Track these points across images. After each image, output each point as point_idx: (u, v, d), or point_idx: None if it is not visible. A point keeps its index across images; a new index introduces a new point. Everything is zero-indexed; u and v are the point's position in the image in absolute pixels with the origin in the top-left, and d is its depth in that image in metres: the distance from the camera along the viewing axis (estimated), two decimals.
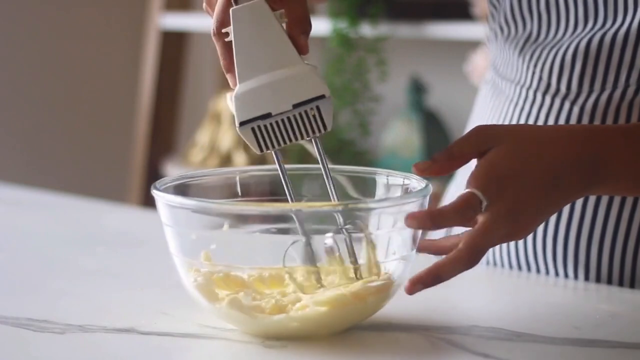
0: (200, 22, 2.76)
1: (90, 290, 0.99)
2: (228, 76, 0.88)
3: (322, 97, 0.86)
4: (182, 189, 0.91)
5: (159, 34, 2.80)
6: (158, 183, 0.88)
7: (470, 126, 1.17)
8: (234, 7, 0.86)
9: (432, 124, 2.50)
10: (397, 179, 0.91)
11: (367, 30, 2.41)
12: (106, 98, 3.11)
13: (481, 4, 2.24)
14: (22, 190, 1.55)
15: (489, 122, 1.11)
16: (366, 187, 0.93)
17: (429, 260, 1.13)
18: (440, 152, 0.85)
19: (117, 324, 0.88)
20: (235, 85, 0.87)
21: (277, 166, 0.88)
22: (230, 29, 0.86)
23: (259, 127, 0.86)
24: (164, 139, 2.85)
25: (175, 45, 2.85)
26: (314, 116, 0.86)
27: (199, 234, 0.86)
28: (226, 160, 2.65)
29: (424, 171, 0.86)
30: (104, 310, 0.92)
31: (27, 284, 1.02)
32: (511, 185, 0.83)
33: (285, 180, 0.88)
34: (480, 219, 0.82)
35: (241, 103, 0.85)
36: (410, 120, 2.50)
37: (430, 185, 0.86)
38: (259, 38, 0.86)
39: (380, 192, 0.92)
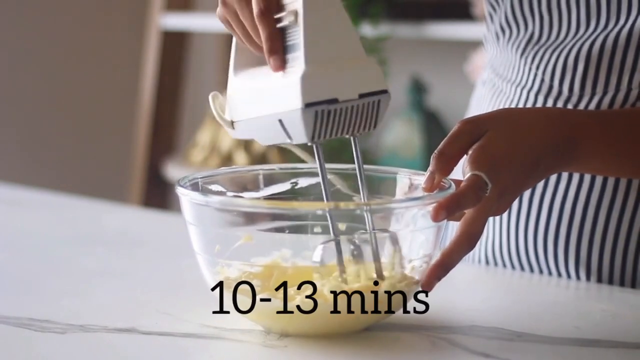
0: (202, 22, 2.76)
1: (91, 290, 0.99)
2: (272, 59, 0.86)
3: (384, 92, 0.86)
4: (202, 188, 0.91)
5: (160, 34, 2.80)
6: (181, 181, 0.88)
7: None
8: None
9: (432, 124, 2.50)
10: (419, 178, 0.91)
11: (367, 30, 2.41)
12: (107, 98, 3.11)
13: (481, 4, 2.24)
14: (22, 190, 1.55)
15: None
16: (387, 187, 0.94)
17: None
18: (436, 160, 0.87)
19: (118, 323, 0.88)
20: (278, 68, 0.86)
21: (317, 161, 0.86)
22: (296, 10, 0.84)
23: (322, 111, 0.84)
24: (165, 138, 2.85)
25: (176, 45, 2.84)
26: (371, 112, 0.85)
27: (223, 231, 0.86)
28: (227, 160, 2.65)
29: (432, 189, 0.87)
30: (104, 310, 0.92)
31: (28, 284, 1.02)
32: (504, 169, 0.87)
33: (324, 177, 0.87)
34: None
35: (309, 84, 0.83)
36: (411, 120, 2.50)
37: (453, 185, 0.86)
38: (330, 24, 0.85)
39: (401, 192, 0.93)
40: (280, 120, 0.85)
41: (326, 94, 0.84)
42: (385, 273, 0.86)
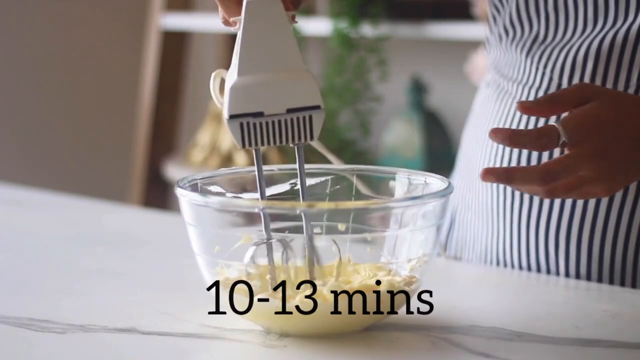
0: (202, 22, 2.76)
1: (91, 290, 0.99)
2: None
3: (316, 107, 0.85)
4: (201, 189, 0.92)
5: (160, 34, 2.80)
6: (181, 182, 0.88)
7: (471, 128, 1.18)
8: None
9: (432, 124, 2.51)
10: (419, 178, 0.91)
11: (367, 30, 2.41)
12: (107, 98, 3.11)
13: (481, 4, 2.24)
14: (22, 190, 1.55)
15: (496, 124, 1.11)
16: (386, 187, 0.94)
17: (447, 262, 1.13)
18: (544, 97, 0.91)
19: (118, 323, 0.88)
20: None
21: (255, 164, 0.87)
22: (240, 19, 0.85)
23: (247, 123, 0.85)
24: (165, 139, 2.85)
25: (176, 45, 2.85)
26: (303, 125, 0.86)
27: (223, 232, 0.86)
28: (227, 160, 2.65)
29: (528, 109, 0.90)
30: (104, 310, 0.92)
31: (28, 284, 1.02)
32: (599, 133, 0.89)
33: (260, 178, 0.87)
34: (565, 152, 0.89)
35: (235, 96, 0.85)
36: (411, 120, 2.50)
37: (452, 184, 0.86)
38: (268, 36, 0.85)
39: (401, 191, 0.93)
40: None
41: (252, 106, 0.85)
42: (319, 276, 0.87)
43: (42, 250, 1.16)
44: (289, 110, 0.85)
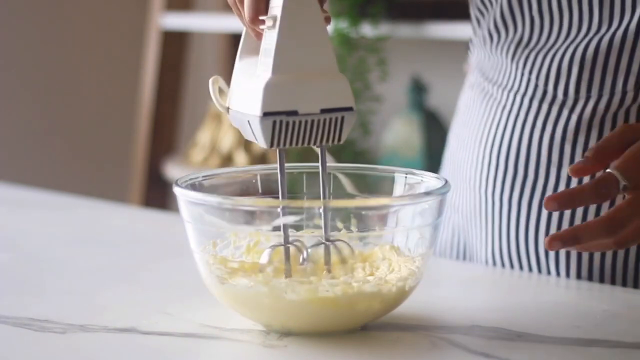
0: (202, 22, 2.76)
1: (91, 290, 0.99)
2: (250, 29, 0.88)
3: (349, 109, 0.86)
4: (200, 187, 0.92)
5: (160, 34, 2.80)
6: (179, 180, 0.89)
7: (457, 130, 1.18)
8: None
9: (432, 124, 2.50)
10: (416, 177, 0.91)
11: (367, 30, 2.41)
12: (107, 98, 3.11)
13: None
14: (22, 190, 1.55)
15: (482, 130, 1.11)
16: (384, 186, 0.94)
17: (447, 262, 1.14)
18: (594, 151, 0.90)
19: (118, 323, 0.88)
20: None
21: (277, 164, 0.88)
22: (276, 16, 0.85)
23: (280, 122, 0.84)
24: (165, 138, 2.85)
25: (176, 45, 2.84)
26: (334, 126, 0.86)
27: (221, 230, 0.86)
28: (227, 160, 2.64)
29: (579, 171, 0.91)
30: (104, 310, 0.92)
31: (28, 284, 1.02)
32: None
33: (282, 179, 0.87)
34: (626, 197, 0.88)
35: (270, 93, 0.84)
36: (411, 120, 2.50)
37: (449, 183, 0.86)
38: (305, 35, 0.85)
39: (398, 190, 0.93)
40: (248, 122, 0.86)
41: (286, 105, 0.84)
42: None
43: (42, 250, 1.16)
44: (323, 111, 0.85)
